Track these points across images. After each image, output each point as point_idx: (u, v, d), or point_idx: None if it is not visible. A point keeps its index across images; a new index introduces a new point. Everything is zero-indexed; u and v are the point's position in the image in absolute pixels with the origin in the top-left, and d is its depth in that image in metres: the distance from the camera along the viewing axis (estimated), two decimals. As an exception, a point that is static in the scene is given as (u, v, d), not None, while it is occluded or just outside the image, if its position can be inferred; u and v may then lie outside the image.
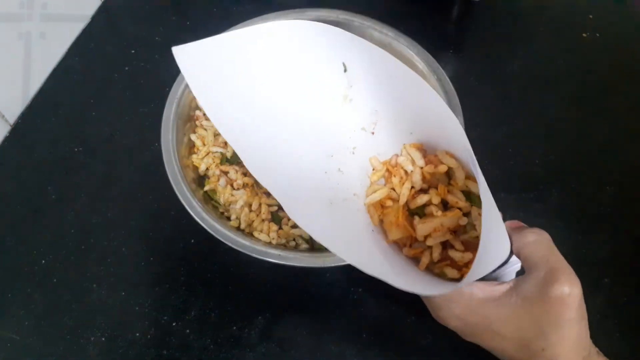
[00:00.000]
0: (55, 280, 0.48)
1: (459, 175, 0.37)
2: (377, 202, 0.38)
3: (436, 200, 0.36)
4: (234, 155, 0.49)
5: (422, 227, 0.35)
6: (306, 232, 0.45)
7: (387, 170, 0.39)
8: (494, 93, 0.60)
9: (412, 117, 0.38)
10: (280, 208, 0.47)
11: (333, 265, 0.42)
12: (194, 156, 0.49)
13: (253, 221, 0.46)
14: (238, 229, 0.46)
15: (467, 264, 0.34)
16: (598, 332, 0.45)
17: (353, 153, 0.41)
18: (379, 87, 0.39)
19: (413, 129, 0.39)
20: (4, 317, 0.46)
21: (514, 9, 0.67)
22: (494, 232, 0.32)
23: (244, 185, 0.48)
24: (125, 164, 0.54)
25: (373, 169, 0.40)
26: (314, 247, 0.45)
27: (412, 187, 0.38)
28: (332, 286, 0.48)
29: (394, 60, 0.35)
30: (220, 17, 0.66)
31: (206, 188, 0.48)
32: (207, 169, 0.49)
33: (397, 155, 0.39)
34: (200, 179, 0.49)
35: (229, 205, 0.47)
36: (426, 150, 0.39)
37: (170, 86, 0.49)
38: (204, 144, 0.50)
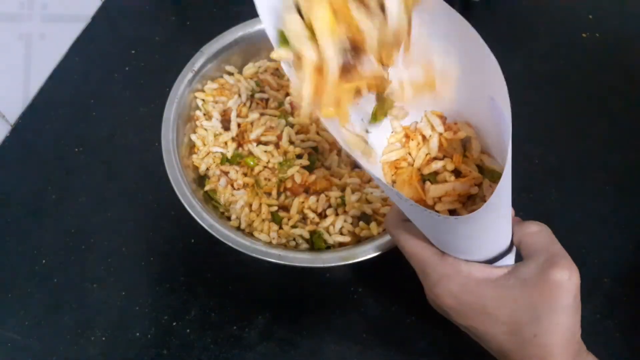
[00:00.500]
0: (55, 280, 0.48)
1: (475, 147, 0.36)
2: (392, 163, 0.38)
3: (450, 167, 0.36)
4: (234, 155, 0.49)
5: (434, 189, 0.35)
6: (306, 232, 0.45)
7: (406, 134, 0.39)
8: (494, 93, 0.59)
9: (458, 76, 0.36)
10: (280, 208, 0.47)
11: (333, 265, 0.42)
12: (195, 156, 0.49)
13: (253, 221, 0.46)
14: (238, 229, 0.46)
15: None
16: (598, 332, 0.45)
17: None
18: (436, 39, 0.36)
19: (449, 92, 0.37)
20: (4, 317, 0.46)
21: (514, 9, 0.67)
22: (505, 206, 0.31)
23: (244, 186, 0.48)
24: (125, 164, 0.54)
25: (392, 131, 0.40)
26: (314, 247, 0.45)
27: (428, 154, 0.38)
28: (332, 286, 0.47)
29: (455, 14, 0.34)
30: (220, 17, 0.66)
31: (206, 188, 0.48)
32: (207, 169, 0.49)
33: (416, 122, 0.39)
34: (201, 179, 0.49)
35: (229, 205, 0.47)
36: (446, 118, 0.38)
37: (170, 86, 0.49)
38: (205, 144, 0.50)
